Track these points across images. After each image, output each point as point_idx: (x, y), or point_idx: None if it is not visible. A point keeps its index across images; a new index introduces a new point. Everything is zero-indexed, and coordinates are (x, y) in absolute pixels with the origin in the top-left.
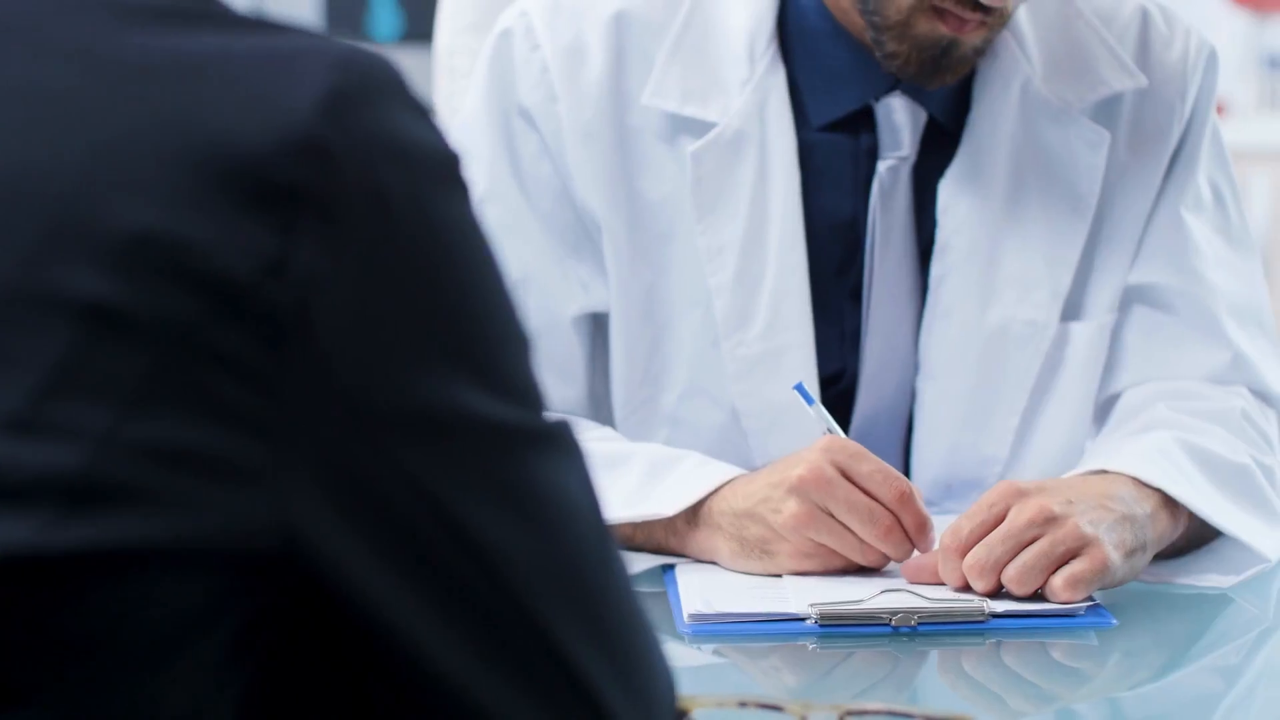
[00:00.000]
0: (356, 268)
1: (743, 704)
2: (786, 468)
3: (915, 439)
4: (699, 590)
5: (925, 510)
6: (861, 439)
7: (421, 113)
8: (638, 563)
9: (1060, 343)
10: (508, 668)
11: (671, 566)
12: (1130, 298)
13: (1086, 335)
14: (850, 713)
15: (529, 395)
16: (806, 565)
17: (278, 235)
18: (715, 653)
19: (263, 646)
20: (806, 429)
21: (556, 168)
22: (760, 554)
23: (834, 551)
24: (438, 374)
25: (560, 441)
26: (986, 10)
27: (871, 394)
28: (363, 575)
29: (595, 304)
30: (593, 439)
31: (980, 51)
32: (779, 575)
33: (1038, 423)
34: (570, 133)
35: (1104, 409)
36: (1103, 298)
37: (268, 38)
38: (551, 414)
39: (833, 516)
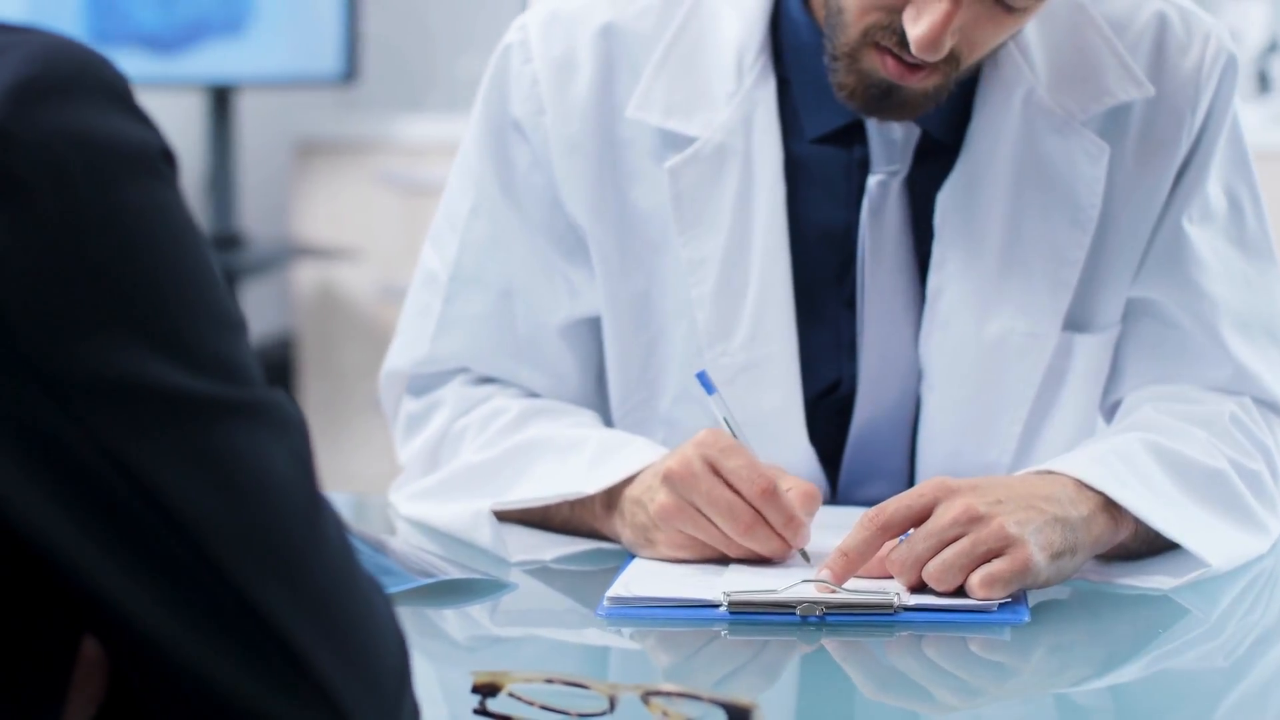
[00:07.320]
0: (37, 244)
1: (549, 680)
2: (666, 459)
3: (919, 446)
4: (636, 574)
5: (793, 507)
6: (862, 446)
7: (125, 108)
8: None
9: (1063, 353)
10: (206, 628)
11: None
12: (1132, 310)
13: (1091, 347)
14: (650, 693)
15: (228, 369)
16: (681, 555)
17: None
18: (631, 636)
19: None
20: (792, 438)
21: (548, 178)
22: (645, 541)
23: (705, 543)
24: (121, 345)
25: (266, 415)
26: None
27: (870, 402)
28: (53, 534)
29: (586, 310)
30: (567, 425)
31: (934, 98)
32: (724, 564)
33: (1042, 431)
34: (556, 145)
35: (1107, 416)
36: (1108, 311)
37: None
38: (263, 391)
39: (700, 510)
